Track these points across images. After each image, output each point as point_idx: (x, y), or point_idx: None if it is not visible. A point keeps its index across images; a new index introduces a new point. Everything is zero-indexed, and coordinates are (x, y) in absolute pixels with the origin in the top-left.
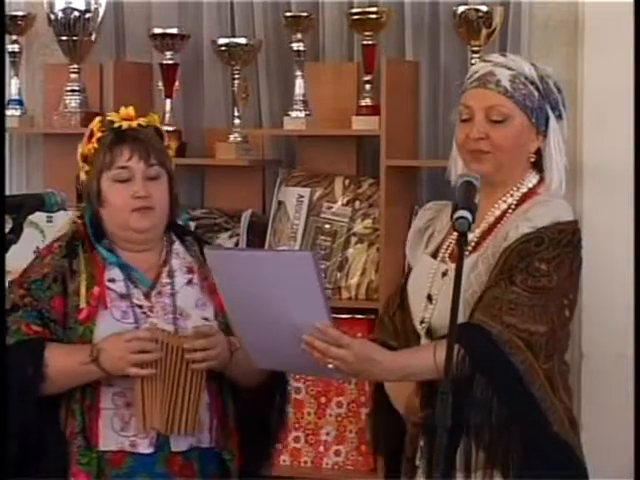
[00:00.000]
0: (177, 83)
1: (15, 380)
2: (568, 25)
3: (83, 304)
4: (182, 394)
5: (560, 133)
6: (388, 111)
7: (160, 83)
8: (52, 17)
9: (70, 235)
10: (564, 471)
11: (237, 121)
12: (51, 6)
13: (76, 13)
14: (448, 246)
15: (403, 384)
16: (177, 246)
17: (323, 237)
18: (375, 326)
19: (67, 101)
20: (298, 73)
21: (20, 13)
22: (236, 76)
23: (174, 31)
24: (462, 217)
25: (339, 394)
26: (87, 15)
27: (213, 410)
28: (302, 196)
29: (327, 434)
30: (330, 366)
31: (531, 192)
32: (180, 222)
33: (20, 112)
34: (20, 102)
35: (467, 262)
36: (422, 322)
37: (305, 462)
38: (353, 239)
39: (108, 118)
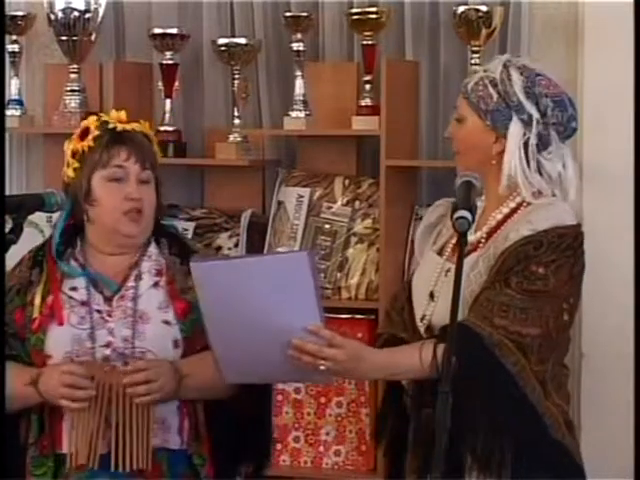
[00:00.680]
0: (177, 83)
1: None
2: (568, 25)
3: (36, 314)
4: (125, 430)
5: (521, 138)
6: (388, 111)
7: (160, 83)
8: (52, 17)
9: (40, 245)
10: (560, 473)
11: (237, 121)
12: (51, 6)
13: (76, 13)
14: (454, 244)
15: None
16: (151, 248)
17: (323, 237)
18: (381, 321)
19: (67, 101)
20: (298, 73)
21: (20, 13)
22: (236, 76)
23: (174, 31)
24: (462, 217)
25: (339, 394)
26: (87, 15)
27: (183, 413)
28: (302, 196)
29: (327, 434)
30: (322, 367)
31: (535, 194)
32: (165, 223)
33: (20, 112)
34: (20, 102)
35: (468, 261)
36: (422, 319)
37: (305, 462)
38: (353, 239)
39: (103, 118)
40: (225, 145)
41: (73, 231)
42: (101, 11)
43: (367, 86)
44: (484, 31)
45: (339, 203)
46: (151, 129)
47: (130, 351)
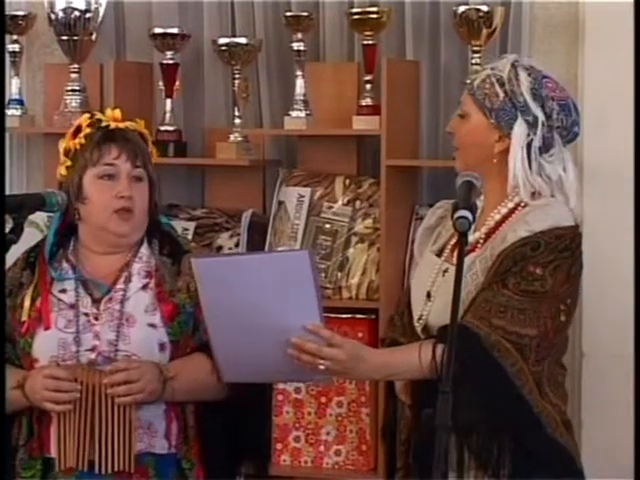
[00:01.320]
0: (177, 83)
1: None
2: (569, 25)
3: (25, 317)
4: (107, 432)
5: (525, 139)
6: (388, 111)
7: (160, 83)
8: (52, 17)
9: (33, 246)
10: (558, 473)
11: (237, 121)
12: (51, 6)
13: (76, 13)
14: (452, 245)
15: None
16: (143, 249)
17: (324, 237)
18: (386, 325)
19: (67, 101)
20: (298, 73)
21: (20, 13)
22: (236, 76)
23: (174, 31)
24: (462, 217)
25: (339, 394)
26: (87, 15)
27: (170, 416)
28: (302, 196)
29: (327, 434)
30: (321, 367)
31: (533, 195)
32: (160, 222)
33: (20, 112)
34: (20, 102)
35: (465, 261)
36: (420, 319)
37: (305, 462)
38: (354, 239)
39: (96, 117)
40: (226, 145)
41: (67, 231)
42: (102, 11)
43: (367, 86)
44: (485, 31)
45: (340, 203)
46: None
47: (115, 355)
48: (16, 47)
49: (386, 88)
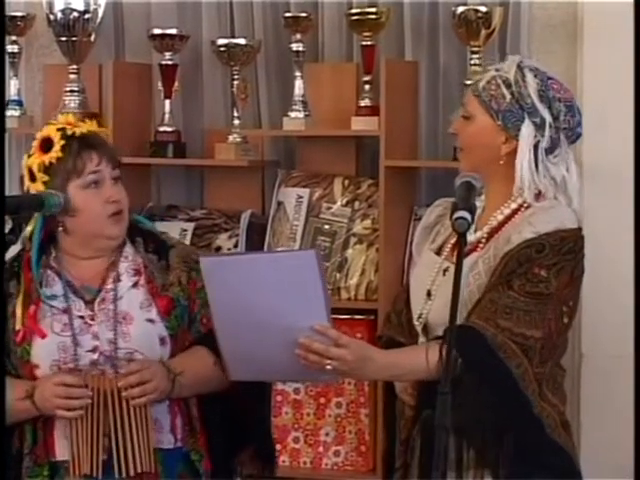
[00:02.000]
0: (176, 84)
1: None
2: (568, 25)
3: (19, 325)
4: (124, 435)
5: (532, 140)
6: (387, 111)
7: (160, 83)
8: (51, 18)
9: (15, 256)
10: (556, 473)
11: (236, 122)
12: (50, 7)
13: (75, 14)
14: (452, 244)
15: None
16: (127, 248)
17: (322, 238)
18: (382, 323)
19: (66, 102)
20: (297, 74)
21: (19, 14)
22: (235, 77)
23: (173, 32)
24: (461, 217)
25: (338, 395)
26: (86, 16)
27: (174, 411)
28: (301, 197)
29: (326, 435)
30: (328, 367)
31: (537, 196)
32: (139, 221)
33: (19, 112)
34: (19, 102)
35: (467, 261)
36: (419, 318)
37: (304, 463)
38: (352, 239)
39: (58, 126)
40: (224, 146)
41: (47, 239)
42: (100, 12)
43: (366, 86)
44: (483, 31)
45: (338, 204)
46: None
47: (117, 353)
48: (15, 48)
49: (385, 89)
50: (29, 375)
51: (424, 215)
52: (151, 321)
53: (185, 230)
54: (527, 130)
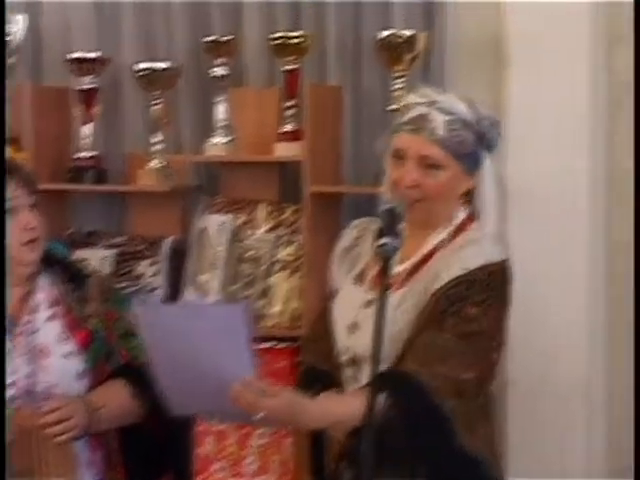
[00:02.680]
0: (97, 108)
1: None
2: (492, 49)
3: None
4: (49, 471)
5: (493, 170)
6: (311, 136)
7: (77, 108)
8: None
9: None
10: None
11: (158, 147)
12: None
13: None
14: (375, 274)
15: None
16: (42, 278)
17: (246, 264)
18: (302, 350)
19: None
20: (219, 98)
21: None
22: (156, 101)
23: (92, 55)
24: (386, 244)
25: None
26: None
27: (92, 445)
28: (224, 223)
29: (250, 464)
30: (258, 417)
31: (462, 227)
32: (54, 250)
33: None
34: None
35: (394, 297)
36: (345, 352)
37: None
38: (276, 266)
39: None
40: (146, 171)
41: None
42: (19, 35)
43: (289, 111)
44: (407, 56)
45: (262, 230)
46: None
47: (35, 388)
48: None
49: (309, 114)
50: None
51: (342, 236)
52: (69, 355)
53: (106, 257)
54: (488, 162)
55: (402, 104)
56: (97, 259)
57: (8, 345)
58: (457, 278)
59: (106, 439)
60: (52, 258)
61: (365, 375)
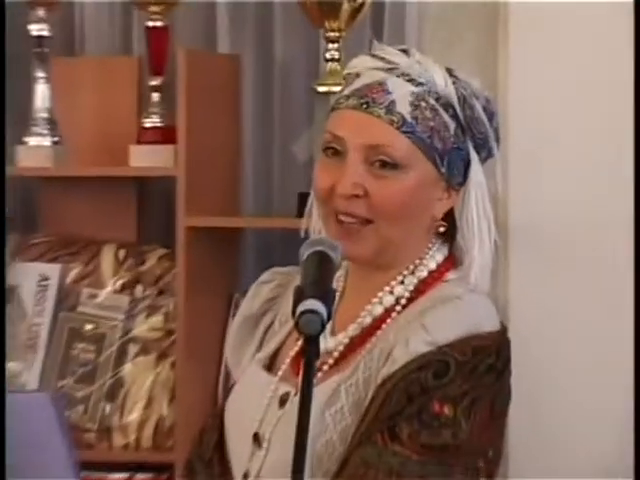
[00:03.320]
0: None
1: None
2: (482, 7)
3: None
4: None
5: (486, 187)
6: (189, 136)
7: None
8: None
9: None
10: None
11: None
12: None
13: None
14: (294, 356)
15: None
16: None
17: (82, 345)
18: (184, 472)
19: None
20: (40, 75)
21: None
22: None
23: None
24: (310, 311)
25: None
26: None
27: None
28: (47, 278)
29: None
30: None
31: (433, 276)
32: None
33: None
34: None
35: (323, 391)
36: (245, 476)
37: None
38: (132, 348)
39: None
40: None
41: None
42: None
43: (155, 95)
44: (346, 5)
45: (109, 289)
46: None
47: None
48: None
49: (185, 99)
50: None
51: (244, 300)
52: None
53: None
54: (477, 172)
55: (345, 72)
56: None
57: None
58: (420, 358)
59: None
60: None
61: None
